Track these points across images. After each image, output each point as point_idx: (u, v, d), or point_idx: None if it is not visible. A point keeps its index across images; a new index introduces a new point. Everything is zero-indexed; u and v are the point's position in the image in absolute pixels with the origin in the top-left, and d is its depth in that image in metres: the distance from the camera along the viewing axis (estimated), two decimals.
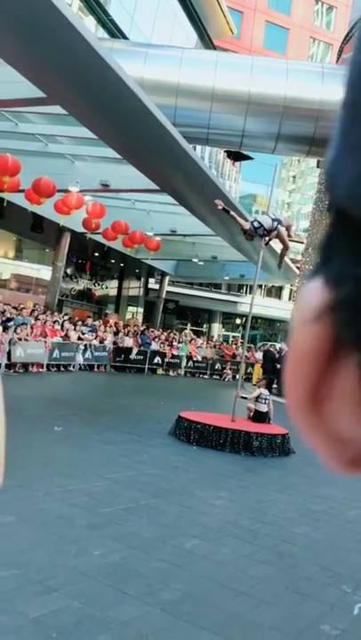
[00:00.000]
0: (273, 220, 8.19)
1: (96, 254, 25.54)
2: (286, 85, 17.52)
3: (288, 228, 8.52)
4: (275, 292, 38.19)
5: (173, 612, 2.87)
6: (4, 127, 12.65)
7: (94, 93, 9.07)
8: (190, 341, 22.70)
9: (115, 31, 19.82)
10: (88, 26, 12.34)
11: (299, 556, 3.97)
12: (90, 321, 18.47)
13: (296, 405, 0.32)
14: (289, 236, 8.62)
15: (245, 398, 8.41)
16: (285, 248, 8.91)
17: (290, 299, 33.77)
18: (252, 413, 8.38)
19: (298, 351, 0.30)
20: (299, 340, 0.30)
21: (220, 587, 3.26)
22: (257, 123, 17.86)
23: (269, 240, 8.53)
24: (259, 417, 8.30)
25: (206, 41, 26.43)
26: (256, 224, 8.23)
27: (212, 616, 2.89)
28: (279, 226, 8.24)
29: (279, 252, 9.09)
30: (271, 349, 20.50)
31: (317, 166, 21.43)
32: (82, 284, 26.59)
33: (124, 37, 20.10)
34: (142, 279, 32.11)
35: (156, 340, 20.24)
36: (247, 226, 8.28)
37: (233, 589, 3.25)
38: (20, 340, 12.67)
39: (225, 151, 24.13)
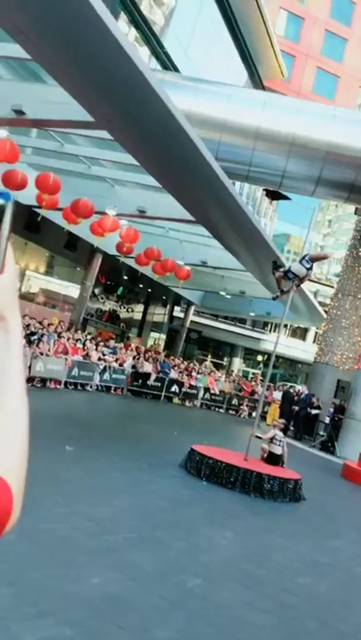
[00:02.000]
0: (307, 268, 8.23)
1: (125, 277, 25.80)
2: (332, 131, 17.67)
3: (319, 257, 8.58)
4: (300, 333, 37.95)
5: None
6: (50, 146, 12.98)
7: (141, 122, 9.27)
8: (210, 373, 22.59)
9: (167, 63, 20.32)
10: (142, 56, 12.68)
11: (300, 608, 3.85)
12: (112, 342, 18.53)
13: None
14: (323, 254, 8.74)
15: (260, 438, 8.29)
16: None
17: (314, 341, 33.47)
18: (265, 455, 8.25)
19: None
20: None
21: (217, 632, 3.17)
22: (298, 165, 18.00)
23: (301, 283, 8.55)
24: (272, 459, 8.16)
25: (256, 81, 26.92)
26: (290, 275, 8.29)
27: None
28: (310, 269, 8.28)
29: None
30: (291, 391, 20.29)
31: (355, 213, 21.42)
32: (108, 305, 26.79)
33: (176, 70, 20.59)
34: (168, 306, 32.24)
35: (176, 368, 20.19)
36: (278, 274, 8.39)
37: (230, 635, 3.16)
38: (41, 354, 12.76)
39: (263, 189, 24.34)
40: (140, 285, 27.34)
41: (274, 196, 20.78)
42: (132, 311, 29.52)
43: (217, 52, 24.58)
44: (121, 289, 26.87)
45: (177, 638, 2.96)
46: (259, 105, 17.99)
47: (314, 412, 17.65)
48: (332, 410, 16.67)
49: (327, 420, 16.49)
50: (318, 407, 17.72)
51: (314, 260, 8.38)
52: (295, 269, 8.27)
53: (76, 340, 15.79)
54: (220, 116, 17.63)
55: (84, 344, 16.04)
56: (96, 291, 24.27)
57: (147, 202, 15.06)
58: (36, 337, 13.07)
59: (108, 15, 6.50)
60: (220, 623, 3.28)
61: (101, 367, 15.62)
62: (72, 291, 22.82)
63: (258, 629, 3.34)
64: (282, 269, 8.44)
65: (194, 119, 14.90)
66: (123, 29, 7.97)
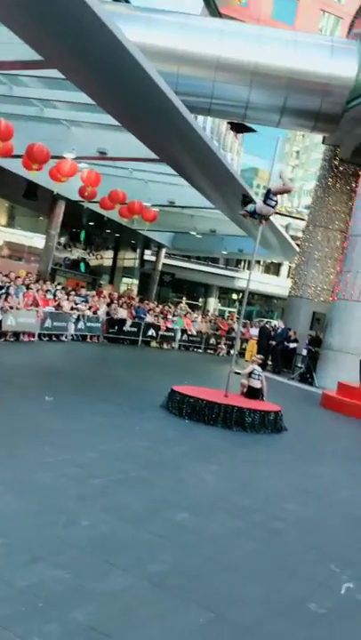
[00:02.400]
0: (272, 206, 8.09)
1: (91, 224, 25.29)
2: (294, 58, 17.12)
3: (281, 191, 8.45)
4: (273, 269, 38.06)
5: (161, 584, 2.84)
6: None
7: (93, 57, 8.81)
8: (185, 315, 22.64)
9: None
10: None
11: (288, 533, 3.96)
12: (83, 291, 18.33)
13: None
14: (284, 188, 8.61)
15: (239, 374, 8.38)
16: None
17: (288, 276, 33.65)
18: (245, 389, 8.35)
19: None
20: None
21: (208, 561, 3.24)
22: (262, 94, 17.50)
23: (267, 219, 8.44)
24: (252, 393, 8.27)
25: (212, 8, 25.74)
26: (256, 216, 8.19)
27: (200, 590, 2.87)
28: (275, 206, 8.17)
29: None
30: (267, 326, 20.46)
31: (323, 142, 21.07)
32: (76, 253, 26.36)
33: (126, 1, 19.51)
34: (138, 250, 31.89)
35: (151, 312, 20.16)
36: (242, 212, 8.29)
37: (221, 564, 3.23)
38: (11, 308, 12.55)
39: (228, 122, 23.71)
40: (108, 231, 26.87)
41: (239, 128, 20.27)
42: (102, 258, 29.14)
43: None
44: (84, 234, 26.34)
45: (169, 570, 3.02)
46: (216, 34, 17.28)
47: (291, 345, 17.88)
48: (307, 342, 16.91)
49: (304, 353, 16.75)
50: (295, 340, 17.95)
51: (277, 194, 8.24)
52: (260, 209, 8.13)
53: (46, 292, 15.58)
54: (176, 47, 16.90)
55: (54, 295, 15.83)
56: (62, 239, 23.81)
57: (107, 142, 14.55)
58: (3, 291, 12.79)
59: None
60: (211, 553, 3.35)
61: (75, 317, 15.50)
62: (37, 241, 22.31)
63: (247, 556, 3.42)
64: (248, 208, 8.27)
65: (149, 52, 14.21)
66: None
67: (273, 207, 8.13)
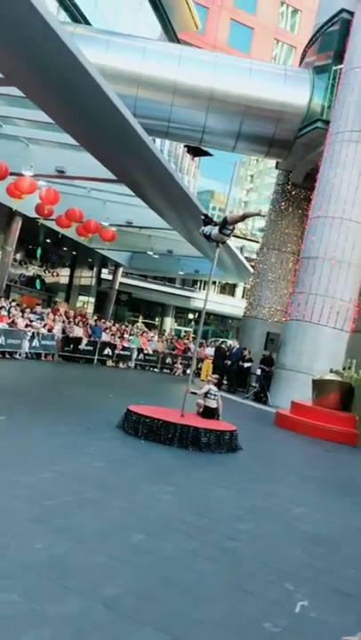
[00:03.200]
0: (227, 234, 8.27)
1: (48, 241, 25.08)
2: (249, 85, 17.63)
3: (236, 222, 8.62)
4: (228, 290, 38.52)
5: (116, 607, 2.81)
6: None
7: (53, 77, 8.86)
8: (142, 334, 22.61)
9: (77, 15, 19.43)
10: (50, 8, 12.01)
11: (243, 552, 3.98)
12: (39, 309, 18.11)
13: None
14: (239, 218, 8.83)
15: (195, 394, 8.41)
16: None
17: (243, 296, 34.09)
18: (201, 409, 8.39)
19: None
20: None
21: (163, 582, 3.22)
22: (218, 120, 17.90)
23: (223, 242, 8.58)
24: (208, 413, 8.31)
25: (170, 34, 26.28)
26: (210, 240, 8.40)
27: (155, 612, 2.85)
28: (230, 234, 8.34)
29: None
30: (222, 346, 20.64)
31: (276, 167, 21.63)
32: (31, 270, 26.05)
33: (87, 23, 19.73)
34: (95, 269, 31.75)
35: (107, 331, 20.05)
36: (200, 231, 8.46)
37: (177, 585, 3.22)
38: None
39: (185, 146, 24.09)
40: (65, 248, 26.68)
41: (195, 152, 20.63)
42: (58, 275, 28.86)
43: (128, 4, 23.73)
44: (40, 250, 26.09)
45: (125, 593, 2.99)
46: (175, 59, 17.63)
47: (246, 364, 18.08)
48: (260, 362, 17.14)
49: (258, 372, 16.96)
50: (250, 360, 18.17)
51: (232, 223, 8.41)
52: (215, 236, 8.29)
53: (0, 308, 15.32)
54: (135, 70, 17.17)
55: (8, 311, 15.57)
56: (18, 256, 23.51)
57: (65, 161, 14.54)
58: None
59: None
60: (167, 574, 3.34)
61: (29, 334, 15.27)
62: None
63: (203, 576, 3.42)
64: (205, 230, 8.39)
65: (108, 74, 14.41)
66: None
67: (227, 235, 8.30)
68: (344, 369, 13.49)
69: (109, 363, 19.14)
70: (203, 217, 8.68)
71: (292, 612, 3.17)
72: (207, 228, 8.36)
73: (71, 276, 30.41)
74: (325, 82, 17.43)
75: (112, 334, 20.04)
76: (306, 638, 2.93)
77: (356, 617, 3.27)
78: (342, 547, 4.62)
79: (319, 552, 4.35)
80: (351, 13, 16.53)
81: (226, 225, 8.20)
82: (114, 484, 4.96)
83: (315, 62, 18.49)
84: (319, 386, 12.28)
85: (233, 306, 35.99)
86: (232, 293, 38.45)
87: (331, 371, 13.11)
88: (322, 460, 9.37)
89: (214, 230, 8.29)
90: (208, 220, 8.51)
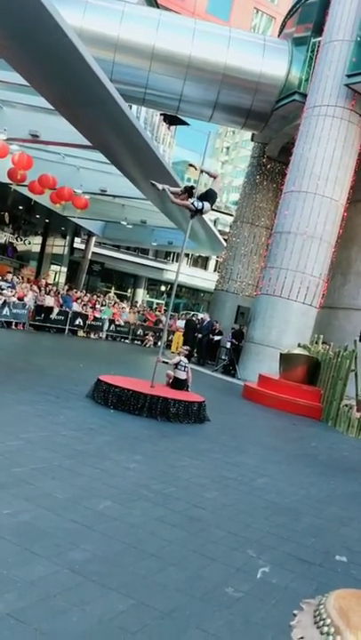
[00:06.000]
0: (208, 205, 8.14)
1: (20, 207, 24.61)
2: (227, 54, 17.36)
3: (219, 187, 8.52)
4: (201, 263, 38.47)
5: (82, 572, 2.86)
6: None
7: (29, 38, 8.58)
8: (114, 305, 22.52)
9: None
10: None
11: (208, 520, 4.07)
12: (10, 276, 17.86)
13: None
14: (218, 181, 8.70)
15: (166, 363, 8.47)
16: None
17: (215, 270, 34.12)
18: (170, 380, 8.46)
19: None
20: None
21: (129, 548, 3.28)
22: (196, 88, 17.64)
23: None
24: (177, 384, 8.39)
25: None
26: (200, 207, 8.11)
27: (120, 577, 2.91)
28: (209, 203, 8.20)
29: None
30: (193, 319, 20.73)
31: (252, 139, 21.49)
32: (3, 237, 25.59)
33: None
34: (68, 238, 31.34)
35: (79, 301, 19.92)
36: (190, 206, 8.09)
37: (142, 551, 3.29)
38: None
39: (161, 114, 23.71)
40: (37, 216, 26.23)
41: (172, 120, 20.31)
42: (30, 243, 28.42)
43: None
44: (10, 217, 25.59)
45: (91, 558, 3.04)
46: (153, 23, 17.24)
47: (216, 338, 18.21)
48: (230, 335, 17.29)
49: (228, 345, 17.12)
50: (220, 333, 18.30)
51: (217, 191, 8.34)
52: (206, 209, 8.16)
53: None
54: (113, 34, 16.74)
55: None
56: None
57: (40, 125, 14.20)
58: None
59: None
60: (132, 540, 3.40)
61: (0, 302, 15.08)
62: None
63: (169, 543, 3.50)
64: (197, 205, 8.14)
65: (85, 37, 14.04)
66: None
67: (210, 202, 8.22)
68: (311, 343, 13.71)
69: (81, 333, 19.07)
70: (190, 187, 8.34)
71: (253, 578, 3.27)
72: (198, 202, 8.12)
73: (43, 245, 29.98)
74: (304, 54, 17.27)
75: (84, 304, 19.91)
76: (266, 603, 3.03)
77: (315, 583, 3.39)
78: (304, 516, 4.76)
79: (282, 521, 4.47)
80: None
81: (215, 197, 8.16)
82: (82, 453, 4.99)
83: (294, 34, 18.29)
84: (287, 360, 12.47)
85: (205, 279, 36.04)
86: (204, 266, 38.44)
87: (298, 345, 13.31)
88: (287, 433, 9.57)
89: (207, 205, 8.12)
90: (190, 191, 8.23)
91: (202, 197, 8.14)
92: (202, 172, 8.39)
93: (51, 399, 7.09)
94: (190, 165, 8.54)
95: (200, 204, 8.06)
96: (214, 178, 8.64)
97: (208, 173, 8.58)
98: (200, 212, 8.15)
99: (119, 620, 2.52)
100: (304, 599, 1.15)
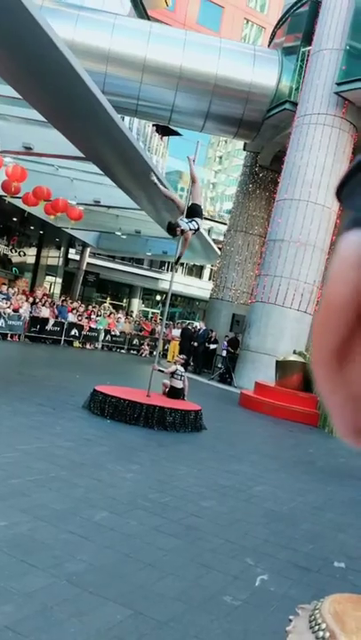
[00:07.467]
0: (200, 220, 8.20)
1: (14, 219, 24.66)
2: (218, 64, 17.51)
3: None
4: (196, 272, 38.54)
5: (79, 583, 2.86)
6: None
7: (21, 51, 8.65)
8: (109, 315, 22.53)
9: None
10: None
11: (205, 528, 4.07)
12: (5, 288, 17.86)
13: (321, 359, 0.30)
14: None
15: (162, 372, 8.47)
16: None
17: (210, 278, 34.18)
18: (167, 389, 8.47)
19: (332, 302, 0.27)
20: (334, 290, 0.27)
21: (126, 558, 3.28)
22: (187, 98, 17.77)
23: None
24: (174, 393, 8.39)
25: (140, 10, 25.79)
26: (196, 226, 8.12)
27: (118, 587, 2.91)
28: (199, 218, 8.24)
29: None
30: (189, 327, 20.75)
31: (244, 149, 21.63)
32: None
33: None
34: (62, 249, 31.37)
35: (74, 312, 19.92)
36: (184, 227, 8.06)
37: (139, 561, 3.28)
38: None
39: (153, 124, 23.85)
40: (32, 227, 26.26)
41: (164, 131, 20.41)
42: (25, 255, 28.42)
43: None
44: (5, 229, 25.63)
45: (88, 569, 3.04)
46: (144, 35, 17.38)
47: (212, 346, 18.24)
48: (226, 343, 17.31)
49: (224, 354, 17.14)
50: (216, 341, 18.32)
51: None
52: (200, 225, 8.21)
53: None
54: (104, 46, 16.88)
55: None
56: None
57: (33, 138, 14.26)
58: None
59: None
60: (129, 550, 3.40)
61: None
62: None
63: (166, 552, 3.50)
64: (191, 225, 8.14)
65: (77, 49, 14.15)
66: None
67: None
68: (307, 350, 13.73)
69: (76, 344, 19.05)
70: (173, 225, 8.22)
71: (251, 586, 3.28)
72: (191, 223, 8.06)
73: (38, 256, 29.99)
74: (294, 63, 17.43)
75: (79, 315, 19.92)
76: (265, 611, 3.03)
77: (313, 590, 3.39)
78: (301, 523, 4.76)
79: (279, 528, 4.47)
80: None
81: (200, 209, 8.19)
82: (79, 463, 4.99)
83: (284, 43, 18.45)
84: (282, 367, 12.49)
85: (200, 288, 36.08)
86: (199, 275, 38.50)
87: (294, 352, 13.33)
88: (284, 440, 9.57)
89: (199, 222, 8.11)
90: (174, 229, 8.12)
91: (189, 215, 8.14)
92: (193, 161, 8.45)
93: (47, 410, 7.08)
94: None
95: (194, 224, 8.07)
96: (193, 182, 8.67)
97: (192, 173, 8.65)
98: (197, 230, 8.20)
99: (117, 631, 2.51)
100: (300, 604, 1.16)
